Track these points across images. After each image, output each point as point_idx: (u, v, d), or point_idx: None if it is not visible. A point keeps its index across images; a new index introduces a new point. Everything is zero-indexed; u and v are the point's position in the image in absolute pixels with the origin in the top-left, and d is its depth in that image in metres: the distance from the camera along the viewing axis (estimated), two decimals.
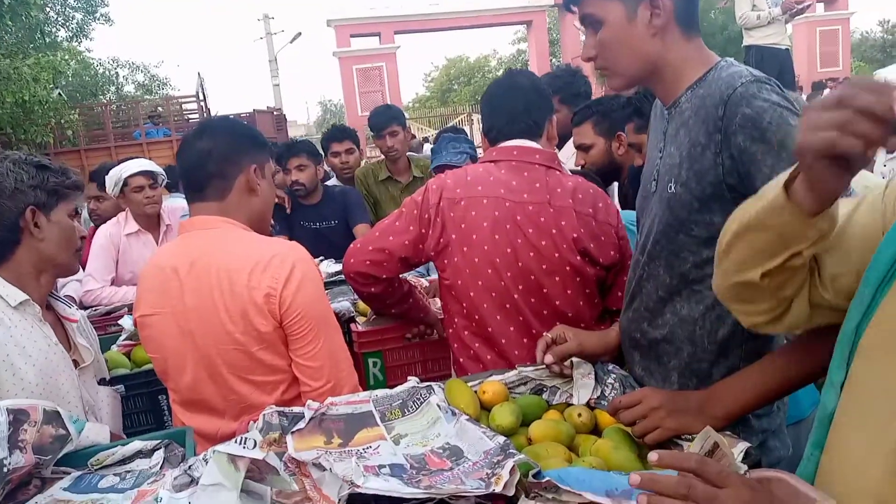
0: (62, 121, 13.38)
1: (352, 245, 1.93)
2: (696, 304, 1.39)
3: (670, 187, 1.36)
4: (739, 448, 1.08)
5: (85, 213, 4.27)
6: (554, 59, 26.50)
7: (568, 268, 1.77)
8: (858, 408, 0.85)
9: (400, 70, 21.44)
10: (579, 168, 2.61)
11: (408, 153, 4.00)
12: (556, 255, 1.77)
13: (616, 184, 2.73)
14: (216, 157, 1.60)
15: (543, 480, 0.94)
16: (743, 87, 1.23)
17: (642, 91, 2.19)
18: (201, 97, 16.83)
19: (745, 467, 0.97)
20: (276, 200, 1.84)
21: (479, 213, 1.80)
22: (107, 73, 24.21)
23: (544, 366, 1.52)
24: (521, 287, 1.79)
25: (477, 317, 1.83)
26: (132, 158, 3.42)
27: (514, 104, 1.90)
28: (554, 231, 1.77)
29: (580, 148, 2.61)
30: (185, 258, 1.57)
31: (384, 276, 1.89)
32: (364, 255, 1.87)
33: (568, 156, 2.98)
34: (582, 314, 1.81)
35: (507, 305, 1.80)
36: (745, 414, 1.25)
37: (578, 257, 1.76)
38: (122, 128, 17.17)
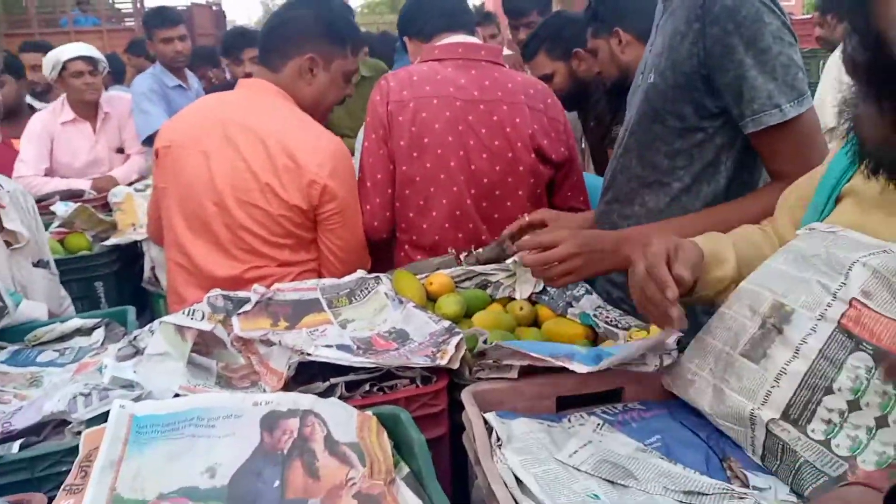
0: None
1: (366, 216, 1.77)
2: (663, 196, 1.42)
3: (650, 77, 1.37)
4: (674, 337, 1.14)
5: None
6: None
7: (521, 168, 1.76)
8: None
9: None
10: None
11: None
12: (510, 154, 1.74)
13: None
14: (283, 32, 1.69)
15: (490, 346, 0.98)
16: None
17: None
18: None
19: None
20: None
21: (430, 113, 1.71)
22: None
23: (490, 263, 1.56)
24: (473, 191, 1.75)
25: (424, 226, 1.77)
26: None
27: None
28: (508, 129, 1.74)
29: (542, 80, 2.47)
30: (237, 112, 1.64)
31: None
32: (383, 211, 1.77)
33: None
34: None
35: (458, 212, 1.76)
36: None
37: (533, 155, 1.75)
38: (48, 14, 15.93)
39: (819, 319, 0.78)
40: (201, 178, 1.62)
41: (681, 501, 0.76)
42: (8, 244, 1.61)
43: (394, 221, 1.79)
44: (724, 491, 0.77)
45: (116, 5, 16.49)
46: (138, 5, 15.32)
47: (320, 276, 1.73)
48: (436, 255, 1.75)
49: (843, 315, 0.77)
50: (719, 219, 1.26)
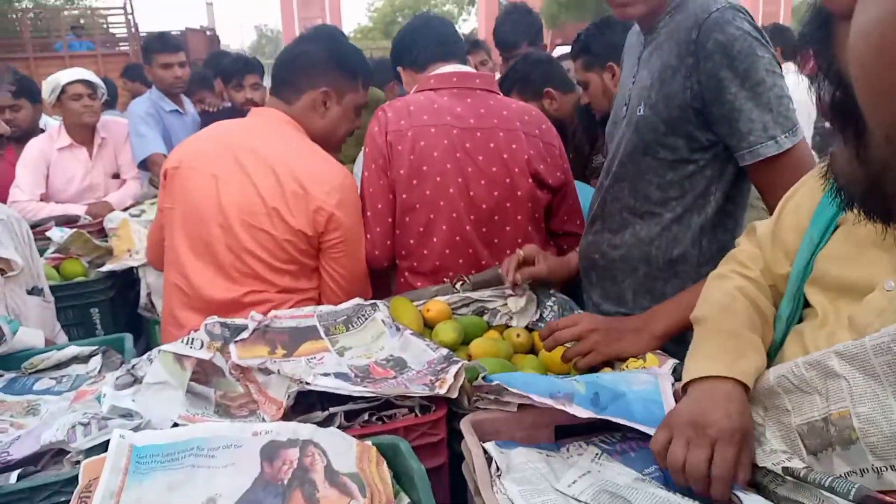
0: None
1: (367, 245, 1.78)
2: (654, 225, 1.45)
3: (639, 110, 1.39)
4: (669, 365, 1.15)
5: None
6: None
7: (519, 193, 1.77)
8: (800, 339, 0.94)
9: None
10: None
11: None
12: (508, 180, 1.76)
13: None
14: (297, 66, 1.72)
15: (492, 383, 0.98)
16: (718, 12, 1.27)
17: (592, 26, 2.19)
18: (129, 10, 15.83)
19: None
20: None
21: (429, 142, 1.73)
22: None
23: (486, 289, 1.57)
24: (472, 217, 1.76)
25: (425, 252, 1.77)
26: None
27: (441, 29, 1.90)
28: (505, 156, 1.76)
29: (581, 85, 2.46)
30: (248, 138, 1.67)
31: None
32: (384, 240, 1.77)
33: None
34: (531, 240, 1.82)
35: (458, 238, 1.77)
36: (684, 331, 1.26)
37: (530, 180, 1.77)
38: (42, 38, 16.03)
39: (868, 472, 0.77)
40: (208, 200, 1.63)
41: None
42: (2, 272, 1.61)
43: (394, 250, 1.80)
44: None
45: (111, 30, 16.64)
46: (133, 30, 15.46)
47: (320, 304, 1.73)
48: (437, 281, 1.75)
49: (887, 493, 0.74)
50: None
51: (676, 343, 1.25)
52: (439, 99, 1.78)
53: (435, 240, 1.76)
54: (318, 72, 1.70)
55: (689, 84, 1.31)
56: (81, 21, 16.46)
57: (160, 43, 3.51)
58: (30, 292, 1.73)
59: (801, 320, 0.99)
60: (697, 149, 1.36)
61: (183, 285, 1.68)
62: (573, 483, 0.83)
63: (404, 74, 1.96)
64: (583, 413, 0.93)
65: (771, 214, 1.30)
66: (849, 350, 0.79)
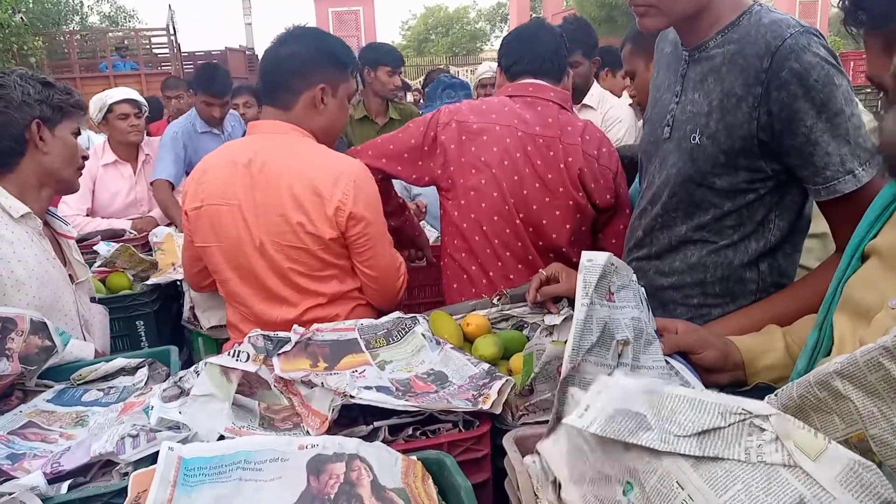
0: (25, 48, 12.82)
1: (352, 149, 1.95)
2: (706, 252, 1.38)
3: (694, 138, 1.32)
4: None
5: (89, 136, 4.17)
6: (534, 15, 26.14)
7: (571, 202, 1.83)
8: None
9: (377, 16, 20.95)
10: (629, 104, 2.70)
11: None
12: (561, 189, 1.82)
13: None
14: (287, 69, 1.68)
15: (537, 399, 0.97)
16: (792, 38, 1.18)
17: None
18: (171, 31, 16.29)
19: None
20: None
21: (491, 137, 1.84)
22: (70, 1, 23.21)
23: (525, 304, 1.56)
24: (521, 215, 1.85)
25: (477, 238, 1.88)
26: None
27: (545, 44, 1.93)
28: (562, 166, 1.82)
29: (628, 75, 2.37)
30: (257, 156, 1.64)
31: (378, 178, 1.90)
32: (375, 159, 1.88)
33: (598, 101, 2.97)
34: (571, 251, 1.85)
35: (508, 230, 1.86)
36: None
37: (581, 193, 1.82)
38: (88, 59, 16.57)
39: None
40: (241, 231, 1.64)
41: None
42: (71, 279, 1.66)
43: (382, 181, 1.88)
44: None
45: (154, 50, 17.12)
46: (175, 51, 15.88)
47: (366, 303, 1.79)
48: (489, 269, 1.89)
49: None
50: (779, 311, 1.24)
51: None
52: (511, 104, 1.90)
53: (485, 228, 1.87)
54: (311, 70, 1.67)
55: (756, 114, 1.23)
56: (125, 42, 16.97)
57: (207, 83, 3.52)
58: (93, 300, 1.78)
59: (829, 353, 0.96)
60: (759, 179, 1.29)
61: (246, 313, 1.73)
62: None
63: (499, 74, 2.03)
64: None
65: (839, 250, 1.26)
66: (846, 369, 0.74)
